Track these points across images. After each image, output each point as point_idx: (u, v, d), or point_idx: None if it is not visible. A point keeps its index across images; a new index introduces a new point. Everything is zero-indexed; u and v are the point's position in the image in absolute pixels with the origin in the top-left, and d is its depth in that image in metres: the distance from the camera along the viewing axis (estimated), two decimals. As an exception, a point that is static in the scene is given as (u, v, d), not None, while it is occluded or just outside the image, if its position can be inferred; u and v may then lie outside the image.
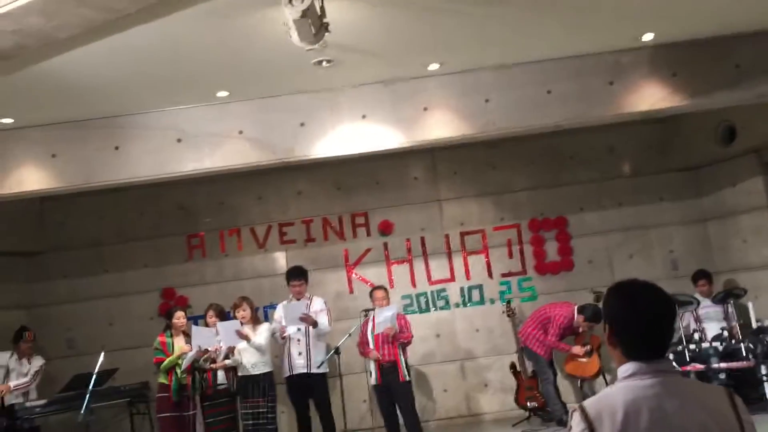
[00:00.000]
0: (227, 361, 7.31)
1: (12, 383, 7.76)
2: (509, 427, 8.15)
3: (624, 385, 1.93)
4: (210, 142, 6.17)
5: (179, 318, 7.35)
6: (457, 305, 9.14)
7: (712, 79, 6.10)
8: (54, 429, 8.53)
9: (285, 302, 7.66)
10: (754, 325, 7.71)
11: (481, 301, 9.14)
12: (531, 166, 9.33)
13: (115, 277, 9.17)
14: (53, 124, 6.29)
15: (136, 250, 9.21)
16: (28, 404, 7.69)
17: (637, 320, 1.96)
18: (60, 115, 6.21)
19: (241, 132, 6.14)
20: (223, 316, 7.63)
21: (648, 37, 6.00)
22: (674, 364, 7.39)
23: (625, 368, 1.96)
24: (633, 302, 1.99)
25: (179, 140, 6.28)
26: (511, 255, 9.24)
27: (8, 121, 6.17)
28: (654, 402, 1.87)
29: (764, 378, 7.30)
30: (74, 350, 8.88)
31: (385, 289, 7.79)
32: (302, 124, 6.21)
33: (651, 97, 6.16)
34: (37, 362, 8.05)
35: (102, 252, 9.23)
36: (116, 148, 6.33)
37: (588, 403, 1.94)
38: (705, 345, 7.57)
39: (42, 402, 7.74)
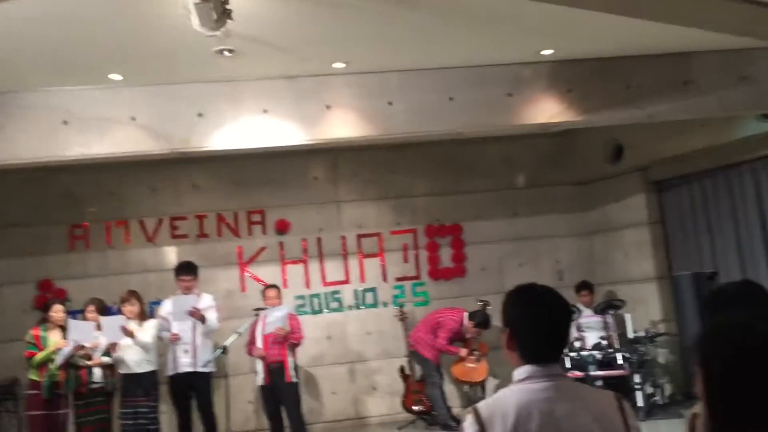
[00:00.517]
0: (105, 359, 6.96)
1: None
2: (394, 431, 8.19)
3: (518, 388, 1.94)
4: (100, 127, 5.84)
5: (57, 311, 6.92)
6: (350, 308, 9.12)
7: (604, 97, 6.35)
8: None
9: (172, 296, 7.38)
10: (631, 335, 8.11)
11: (375, 304, 9.16)
12: (431, 172, 9.44)
13: (-13, 266, 8.56)
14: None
15: (13, 236, 8.63)
16: None
17: (536, 324, 1.98)
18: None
19: (133, 118, 5.86)
20: (105, 311, 7.28)
21: (547, 52, 6.19)
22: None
23: (521, 371, 1.97)
24: (533, 306, 2.01)
25: (66, 122, 5.89)
26: (406, 259, 9.31)
27: None
28: (545, 405, 1.89)
29: (638, 386, 7.67)
30: (-65, 343, 8.20)
31: (278, 289, 7.66)
32: (200, 115, 5.99)
33: (547, 110, 6.35)
34: None
35: (-26, 238, 8.60)
36: (-4, 126, 5.90)
37: (482, 405, 1.95)
38: (584, 353, 7.88)
39: None
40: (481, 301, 8.25)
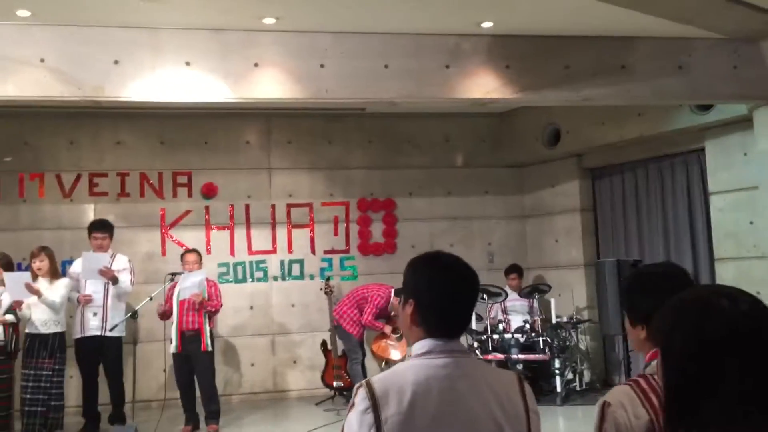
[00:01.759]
0: (8, 317, 6.56)
1: None
2: (312, 406, 8.02)
3: (416, 363, 1.78)
4: (5, 68, 5.38)
5: (-48, 265, 6.48)
6: (276, 278, 8.87)
7: (542, 76, 6.20)
8: None
9: (84, 253, 6.98)
10: (554, 320, 8.10)
11: (301, 276, 8.93)
12: (367, 145, 9.22)
13: None
14: None
15: None
16: None
17: (441, 296, 1.82)
18: None
19: (42, 60, 5.42)
20: (11, 267, 6.87)
21: (487, 25, 5.99)
22: (477, 352, 7.60)
23: (420, 345, 1.81)
24: (439, 276, 1.85)
25: (-34, 60, 5.44)
26: (336, 232, 9.10)
27: None
28: (445, 382, 1.74)
29: (557, 371, 7.67)
30: None
31: (198, 253, 7.35)
32: (116, 62, 5.58)
33: (484, 85, 6.16)
34: None
35: None
36: None
37: (375, 379, 1.76)
38: (507, 336, 7.84)
39: None
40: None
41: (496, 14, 5.83)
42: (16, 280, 6.54)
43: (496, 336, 7.83)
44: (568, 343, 7.97)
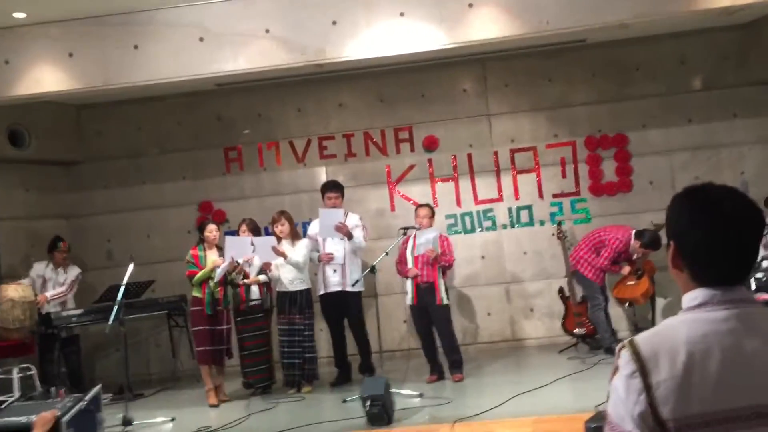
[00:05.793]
0: (261, 277, 7.11)
1: (49, 293, 7.73)
2: (555, 354, 7.77)
3: (689, 318, 1.48)
4: (234, 42, 5.68)
5: (211, 231, 7.13)
6: (505, 226, 8.65)
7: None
8: (93, 338, 8.57)
9: (321, 209, 7.27)
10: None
11: (530, 223, 8.62)
12: (591, 78, 8.58)
13: (153, 189, 8.97)
14: (69, 20, 5.88)
15: (174, 161, 8.97)
16: (64, 313, 7.68)
17: (714, 233, 1.48)
18: (76, 10, 5.78)
19: (267, 31, 5.63)
20: (257, 231, 7.38)
21: None
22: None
23: (692, 296, 1.50)
24: (709, 211, 1.50)
25: (201, 39, 5.79)
26: (564, 174, 8.63)
27: (21, 15, 5.79)
28: (728, 340, 1.42)
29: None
30: (113, 261, 8.80)
31: (431, 208, 7.36)
32: (334, 23, 5.65)
33: (733, -11, 5.36)
34: (73, 272, 8.01)
35: (140, 163, 9.02)
36: (135, 47, 5.90)
37: (641, 338, 1.48)
38: (774, 274, 6.93)
39: (78, 311, 7.73)
40: (656, 224, 7.47)
41: None
42: (263, 244, 7.00)
43: (759, 274, 6.96)
44: None
